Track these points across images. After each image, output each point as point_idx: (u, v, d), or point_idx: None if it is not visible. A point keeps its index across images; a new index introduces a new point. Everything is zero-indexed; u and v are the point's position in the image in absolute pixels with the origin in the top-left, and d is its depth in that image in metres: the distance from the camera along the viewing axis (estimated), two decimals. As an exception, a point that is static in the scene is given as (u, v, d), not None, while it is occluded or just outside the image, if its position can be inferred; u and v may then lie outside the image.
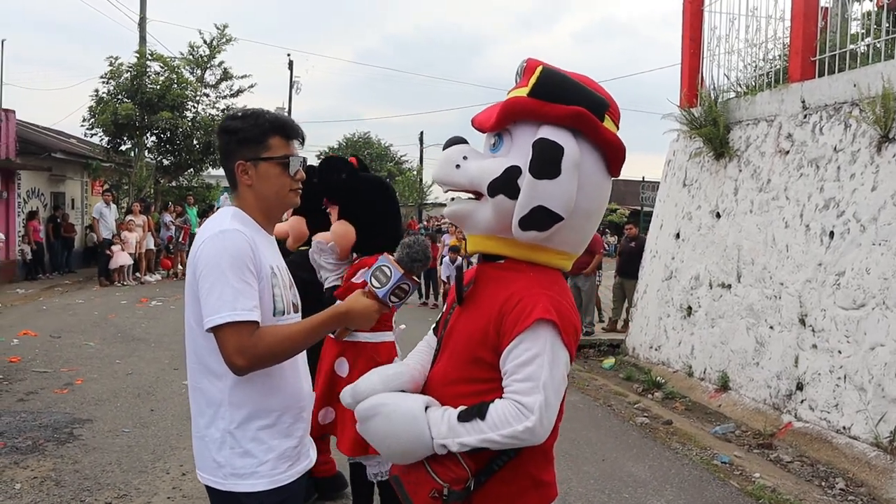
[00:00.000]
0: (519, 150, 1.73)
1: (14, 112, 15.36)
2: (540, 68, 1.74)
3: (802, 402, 5.76)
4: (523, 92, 1.74)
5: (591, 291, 10.56)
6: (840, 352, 5.40)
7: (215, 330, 1.74)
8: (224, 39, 19.57)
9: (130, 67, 17.84)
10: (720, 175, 7.41)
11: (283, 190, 1.93)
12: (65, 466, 4.49)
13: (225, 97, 20.20)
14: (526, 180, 1.67)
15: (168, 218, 16.91)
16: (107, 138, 18.02)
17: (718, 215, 7.32)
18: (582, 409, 6.51)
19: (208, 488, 1.88)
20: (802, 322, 5.84)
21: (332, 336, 3.19)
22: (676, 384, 7.46)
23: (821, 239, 5.76)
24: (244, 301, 1.74)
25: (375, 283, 1.87)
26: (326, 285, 3.39)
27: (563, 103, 1.69)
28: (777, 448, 5.52)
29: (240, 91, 20.41)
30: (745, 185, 6.96)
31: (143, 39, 19.83)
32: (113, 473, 4.41)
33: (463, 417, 1.66)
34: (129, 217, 15.69)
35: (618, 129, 1.83)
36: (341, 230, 3.33)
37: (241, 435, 1.81)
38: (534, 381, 1.62)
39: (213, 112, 19.46)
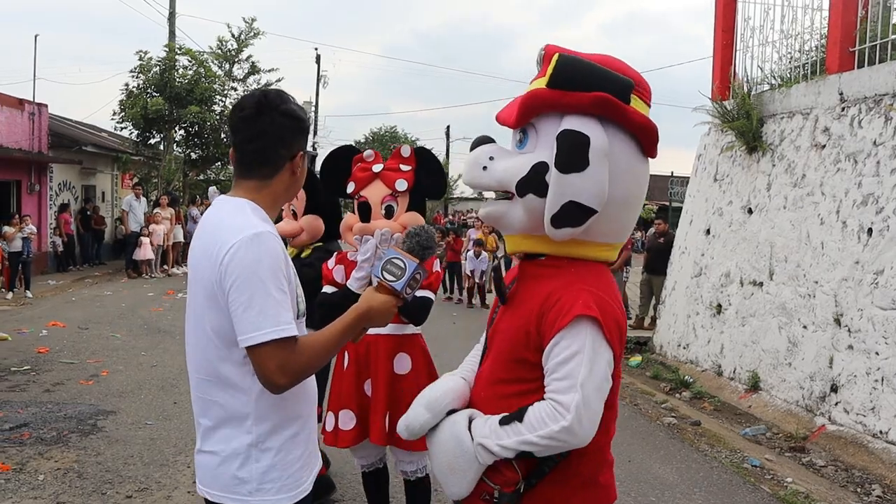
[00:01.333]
0: (545, 145, 1.67)
1: (47, 106, 15.61)
2: (556, 56, 1.66)
3: (837, 404, 5.58)
4: (542, 83, 1.68)
5: (618, 288, 10.43)
6: (878, 353, 5.22)
7: (253, 347, 1.58)
8: (252, 33, 19.72)
9: (160, 61, 18.01)
10: (753, 169, 7.22)
11: (301, 183, 1.88)
12: (88, 458, 4.50)
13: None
14: (553, 176, 1.61)
15: (195, 211, 17.07)
16: (136, 132, 18.22)
17: (750, 211, 7.13)
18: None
19: None
20: (838, 322, 5.66)
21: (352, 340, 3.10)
22: (705, 383, 7.30)
23: (858, 236, 5.56)
24: (285, 314, 1.61)
25: (390, 277, 1.79)
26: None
27: (583, 90, 1.61)
28: (810, 452, 5.36)
29: (267, 85, 20.51)
30: (778, 180, 6.76)
31: (172, 34, 19.99)
32: (135, 466, 4.41)
33: (504, 421, 1.64)
34: (156, 210, 15.85)
35: (649, 107, 1.74)
36: (416, 220, 3.14)
37: (267, 448, 1.68)
38: (571, 379, 1.57)
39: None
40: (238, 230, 1.63)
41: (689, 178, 9.72)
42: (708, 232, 8.02)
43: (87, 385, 6.24)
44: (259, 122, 1.71)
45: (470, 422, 1.71)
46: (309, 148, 1.95)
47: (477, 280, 13.00)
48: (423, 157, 3.21)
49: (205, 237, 1.71)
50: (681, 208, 9.73)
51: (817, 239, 6.04)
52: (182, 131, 19.05)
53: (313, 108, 35.62)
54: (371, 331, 3.08)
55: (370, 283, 3.05)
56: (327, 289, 3.14)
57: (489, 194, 1.82)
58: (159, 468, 4.40)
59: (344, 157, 3.36)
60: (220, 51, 19.60)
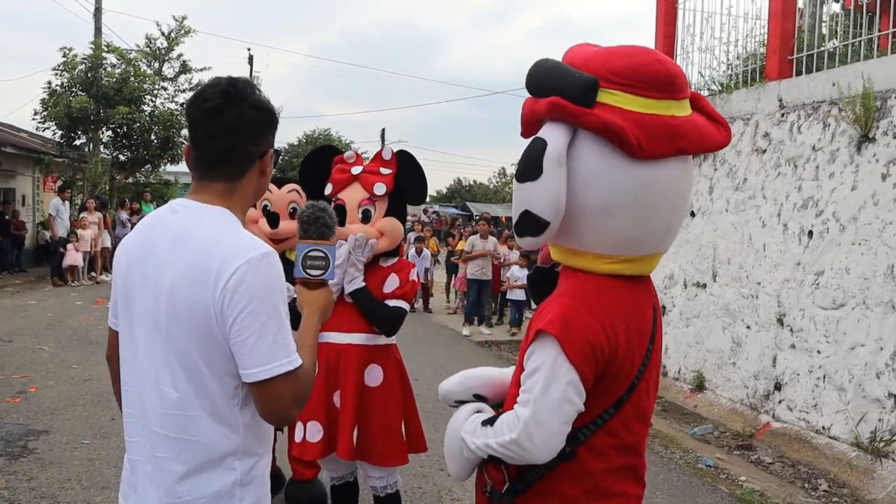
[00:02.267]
0: None
1: (-40, 104, 14.71)
2: (534, 63, 1.62)
3: (781, 402, 5.73)
4: None
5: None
6: (819, 352, 5.38)
7: (264, 382, 1.42)
8: (183, 31, 19.05)
9: (85, 59, 17.21)
10: (695, 174, 7.36)
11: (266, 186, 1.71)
12: (19, 484, 4.19)
13: (184, 91, 19.66)
14: (514, 184, 1.59)
15: (124, 215, 16.38)
16: (60, 132, 17.33)
17: (693, 214, 7.29)
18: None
19: None
20: (780, 322, 5.82)
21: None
22: (651, 384, 7.41)
23: (799, 238, 5.74)
24: (293, 342, 1.48)
25: (316, 273, 1.74)
26: (353, 287, 2.94)
27: (542, 96, 1.56)
28: (757, 449, 5.49)
29: (199, 85, 19.86)
30: (720, 184, 6.93)
31: (98, 30, 19.18)
32: (73, 490, 4.13)
33: (485, 422, 1.67)
34: (83, 214, 15.13)
35: (654, 98, 1.52)
36: (394, 226, 3.04)
37: (249, 482, 1.52)
38: (529, 393, 1.55)
39: (172, 106, 18.90)
40: (242, 250, 1.44)
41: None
42: (651, 234, 8.14)
43: (15, 403, 5.84)
44: (226, 116, 1.49)
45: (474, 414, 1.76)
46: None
47: (421, 279, 12.83)
48: (405, 161, 3.11)
49: (185, 256, 1.45)
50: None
51: (759, 241, 6.21)
52: (110, 132, 18.24)
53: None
54: (342, 340, 2.99)
55: (342, 292, 2.94)
56: None
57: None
58: (100, 491, 4.14)
59: (325, 158, 3.24)
60: (148, 49, 18.87)
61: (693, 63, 7.85)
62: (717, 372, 6.64)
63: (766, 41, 6.73)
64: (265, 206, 3.45)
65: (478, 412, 1.77)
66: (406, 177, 3.08)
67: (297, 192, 3.46)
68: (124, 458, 1.62)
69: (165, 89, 19.19)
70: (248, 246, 1.46)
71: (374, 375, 2.98)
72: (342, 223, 2.96)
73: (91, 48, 17.65)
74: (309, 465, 3.40)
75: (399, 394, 3.04)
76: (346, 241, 2.91)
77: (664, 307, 7.58)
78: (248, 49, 39.65)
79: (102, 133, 18.20)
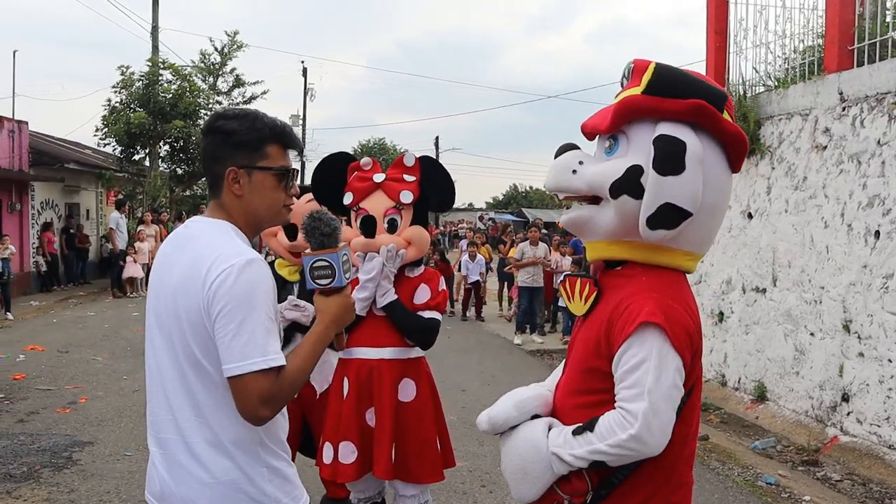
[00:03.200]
0: (637, 150, 1.71)
1: (27, 123, 15.29)
2: (653, 65, 1.72)
3: (849, 414, 5.36)
4: (637, 91, 1.72)
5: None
6: (891, 360, 5.00)
7: (236, 378, 1.52)
8: (235, 46, 19.48)
9: (142, 76, 17.72)
10: (751, 173, 7.02)
11: (276, 205, 1.73)
12: (60, 496, 4.21)
13: (238, 105, 20.07)
14: (651, 178, 1.64)
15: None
16: (120, 148, 17.89)
17: (750, 216, 6.94)
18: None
19: None
20: (847, 328, 5.45)
21: (335, 352, 2.85)
22: (709, 394, 7.06)
23: (865, 239, 5.36)
24: (274, 343, 1.56)
25: (324, 282, 1.73)
26: (387, 300, 2.81)
27: (680, 97, 1.67)
28: (823, 465, 5.13)
29: (252, 98, 20.30)
30: (778, 184, 6.57)
31: (155, 48, 19.73)
32: (111, 503, 4.12)
33: (577, 431, 1.67)
34: (140, 227, 15.52)
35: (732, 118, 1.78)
36: (421, 234, 2.91)
37: (274, 462, 1.66)
38: (639, 387, 1.58)
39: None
40: (229, 255, 1.57)
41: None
42: (706, 238, 7.81)
43: (64, 413, 5.94)
44: (203, 143, 1.73)
45: (549, 430, 1.74)
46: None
47: (472, 284, 12.63)
48: (429, 168, 2.98)
49: (186, 260, 1.62)
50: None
51: (822, 243, 5.84)
52: (167, 146, 18.75)
53: (301, 122, 35.47)
54: (373, 355, 2.87)
55: (373, 303, 2.82)
56: None
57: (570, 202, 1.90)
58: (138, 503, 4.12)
59: (337, 165, 3.12)
60: (203, 64, 19.32)
61: (747, 58, 7.51)
62: (779, 382, 6.27)
63: (823, 32, 6.35)
64: None
65: (551, 427, 1.75)
66: (431, 184, 2.95)
67: (314, 200, 3.27)
68: (151, 452, 1.71)
69: (220, 103, 19.63)
70: (236, 252, 1.58)
71: (407, 390, 2.86)
72: (371, 234, 2.86)
73: (148, 65, 18.15)
74: (341, 484, 3.27)
75: (432, 407, 2.92)
76: (378, 252, 2.81)
77: (721, 313, 7.24)
78: (302, 62, 40.28)
79: (160, 147, 18.70)
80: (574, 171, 1.77)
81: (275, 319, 1.60)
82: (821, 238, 5.86)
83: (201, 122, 18.58)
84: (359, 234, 2.91)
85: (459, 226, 30.45)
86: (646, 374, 1.57)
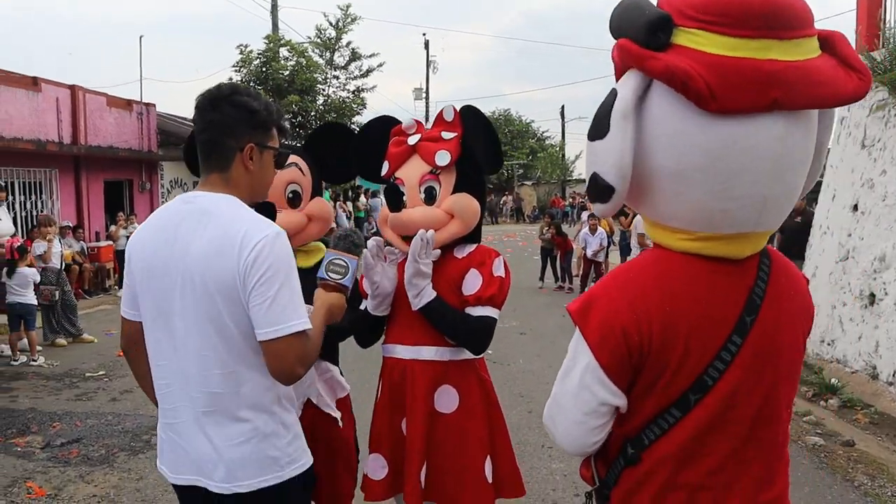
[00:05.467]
0: None
1: (154, 106, 15.98)
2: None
3: None
4: None
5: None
6: None
7: (279, 339, 1.65)
8: (349, 19, 19.43)
9: (260, 54, 18.07)
10: (914, 128, 5.90)
11: (271, 182, 1.90)
12: (128, 483, 4.08)
13: (354, 78, 20.13)
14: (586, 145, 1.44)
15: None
16: (240, 125, 18.42)
17: (912, 180, 5.83)
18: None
19: (249, 495, 1.74)
20: None
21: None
22: (857, 388, 6.08)
23: None
24: (304, 307, 1.71)
25: (335, 276, 1.92)
26: (424, 301, 2.27)
27: (616, 38, 1.36)
28: None
29: (369, 71, 20.25)
30: (950, 140, 5.44)
31: (275, 26, 20.08)
32: (173, 495, 3.93)
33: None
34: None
35: (734, 35, 1.23)
36: (466, 204, 2.33)
37: (288, 420, 1.81)
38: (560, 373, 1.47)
39: (343, 94, 19.39)
40: (261, 227, 1.69)
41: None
42: (856, 208, 6.73)
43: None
44: (209, 113, 1.76)
45: None
46: None
47: (593, 256, 11.91)
48: (471, 120, 2.37)
49: (214, 227, 1.69)
50: (820, 182, 8.37)
51: None
52: (286, 122, 19.08)
53: (424, 95, 35.46)
54: (407, 355, 2.37)
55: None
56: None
57: None
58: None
59: (378, 132, 2.61)
60: (318, 39, 19.47)
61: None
62: (946, 378, 5.24)
63: None
64: (294, 190, 2.50)
65: None
66: (475, 140, 2.37)
67: (298, 166, 2.49)
68: (158, 428, 1.84)
69: (337, 77, 19.75)
70: (266, 224, 1.71)
71: (446, 399, 2.33)
72: (397, 208, 2.35)
73: (265, 42, 18.47)
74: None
75: (482, 424, 2.36)
76: (376, 245, 2.34)
77: (872, 294, 6.19)
78: (424, 34, 39.94)
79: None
80: None
81: None
82: None
83: (320, 97, 18.78)
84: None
85: (585, 197, 29.34)
86: (564, 362, 1.45)
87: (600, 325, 1.37)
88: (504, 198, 39.27)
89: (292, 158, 2.46)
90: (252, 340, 1.69)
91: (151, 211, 12.40)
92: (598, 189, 1.36)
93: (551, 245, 12.79)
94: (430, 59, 35.95)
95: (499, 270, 2.33)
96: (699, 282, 1.39)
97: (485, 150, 2.38)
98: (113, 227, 11.63)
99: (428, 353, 2.33)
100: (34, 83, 11.74)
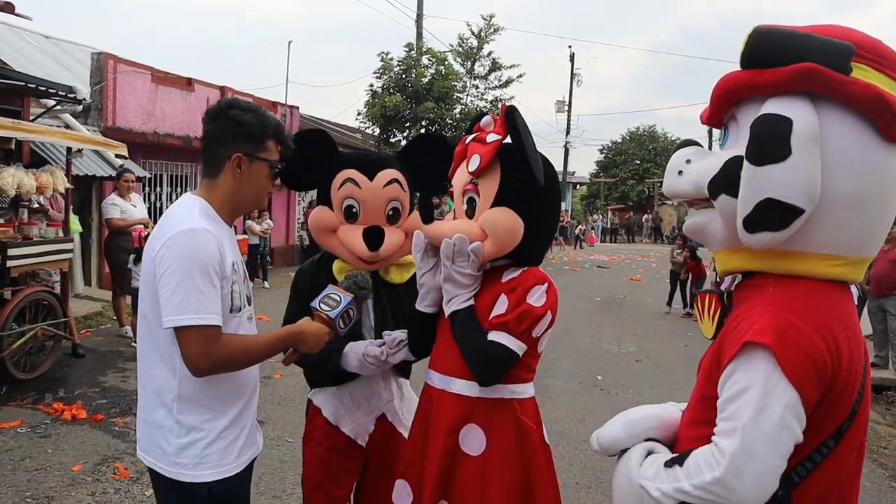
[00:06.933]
0: (744, 137, 1.42)
1: (298, 108, 16.71)
2: (751, 30, 1.41)
3: None
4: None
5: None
6: None
7: (177, 330, 1.78)
8: (492, 30, 19.43)
9: (401, 61, 18.46)
10: None
11: (263, 192, 2.00)
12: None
13: (493, 88, 20.10)
14: (744, 169, 1.36)
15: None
16: (377, 130, 18.89)
17: None
18: (875, 487, 4.64)
19: (151, 471, 1.94)
20: None
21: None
22: None
23: None
24: (209, 305, 1.79)
25: (325, 308, 1.99)
26: (453, 307, 2.05)
27: (783, 64, 1.34)
28: None
29: (508, 81, 20.13)
30: None
31: (419, 35, 20.44)
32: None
33: (668, 463, 1.47)
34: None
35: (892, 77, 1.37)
36: (499, 219, 2.02)
37: (187, 424, 1.86)
38: (734, 420, 1.33)
39: (481, 104, 19.40)
40: (175, 226, 1.83)
41: None
42: None
43: (256, 387, 6.02)
44: (207, 125, 1.94)
45: (647, 456, 1.56)
46: None
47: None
48: (513, 120, 2.00)
49: (154, 233, 1.92)
50: None
51: None
52: (423, 130, 19.37)
53: (566, 108, 34.97)
54: (438, 383, 2.15)
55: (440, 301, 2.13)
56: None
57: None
58: (270, 500, 3.86)
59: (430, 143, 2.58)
60: (460, 48, 19.62)
61: None
62: None
63: None
64: (350, 205, 2.39)
65: (650, 453, 1.56)
66: (517, 144, 2.03)
67: (399, 182, 2.40)
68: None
69: (476, 87, 19.80)
70: (182, 223, 1.83)
71: (472, 440, 2.02)
72: (428, 219, 2.18)
73: (405, 50, 18.84)
74: None
75: (513, 473, 2.03)
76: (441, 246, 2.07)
77: None
78: (570, 46, 39.30)
79: (416, 130, 19.37)
80: (680, 172, 1.57)
81: (216, 286, 1.82)
82: None
83: (458, 106, 18.88)
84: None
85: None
86: (744, 407, 1.33)
87: (800, 357, 1.32)
88: (645, 216, 37.91)
89: (393, 174, 2.37)
90: (167, 332, 1.81)
91: (288, 208, 12.79)
92: (776, 217, 1.34)
93: (681, 268, 12.06)
94: (574, 71, 35.46)
95: (533, 297, 2.00)
96: (848, 307, 1.44)
97: (532, 158, 2.03)
98: (249, 222, 12.17)
99: (457, 385, 2.07)
100: (188, 83, 12.56)
